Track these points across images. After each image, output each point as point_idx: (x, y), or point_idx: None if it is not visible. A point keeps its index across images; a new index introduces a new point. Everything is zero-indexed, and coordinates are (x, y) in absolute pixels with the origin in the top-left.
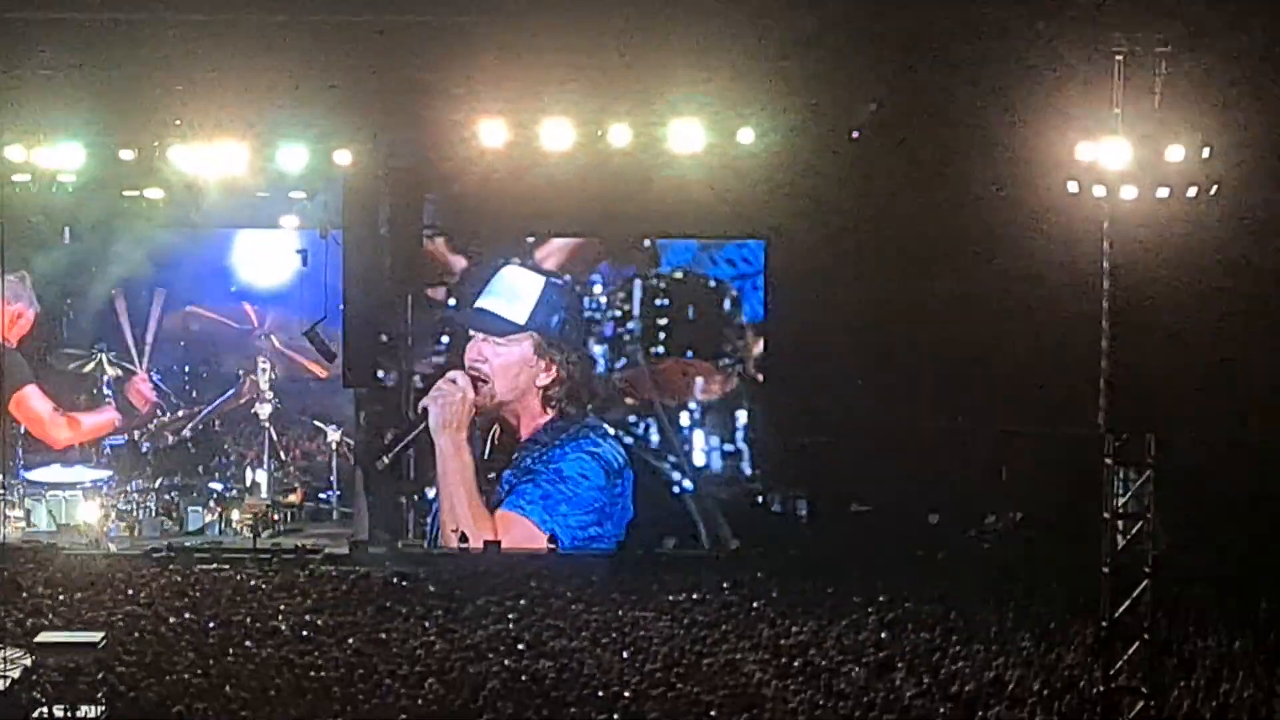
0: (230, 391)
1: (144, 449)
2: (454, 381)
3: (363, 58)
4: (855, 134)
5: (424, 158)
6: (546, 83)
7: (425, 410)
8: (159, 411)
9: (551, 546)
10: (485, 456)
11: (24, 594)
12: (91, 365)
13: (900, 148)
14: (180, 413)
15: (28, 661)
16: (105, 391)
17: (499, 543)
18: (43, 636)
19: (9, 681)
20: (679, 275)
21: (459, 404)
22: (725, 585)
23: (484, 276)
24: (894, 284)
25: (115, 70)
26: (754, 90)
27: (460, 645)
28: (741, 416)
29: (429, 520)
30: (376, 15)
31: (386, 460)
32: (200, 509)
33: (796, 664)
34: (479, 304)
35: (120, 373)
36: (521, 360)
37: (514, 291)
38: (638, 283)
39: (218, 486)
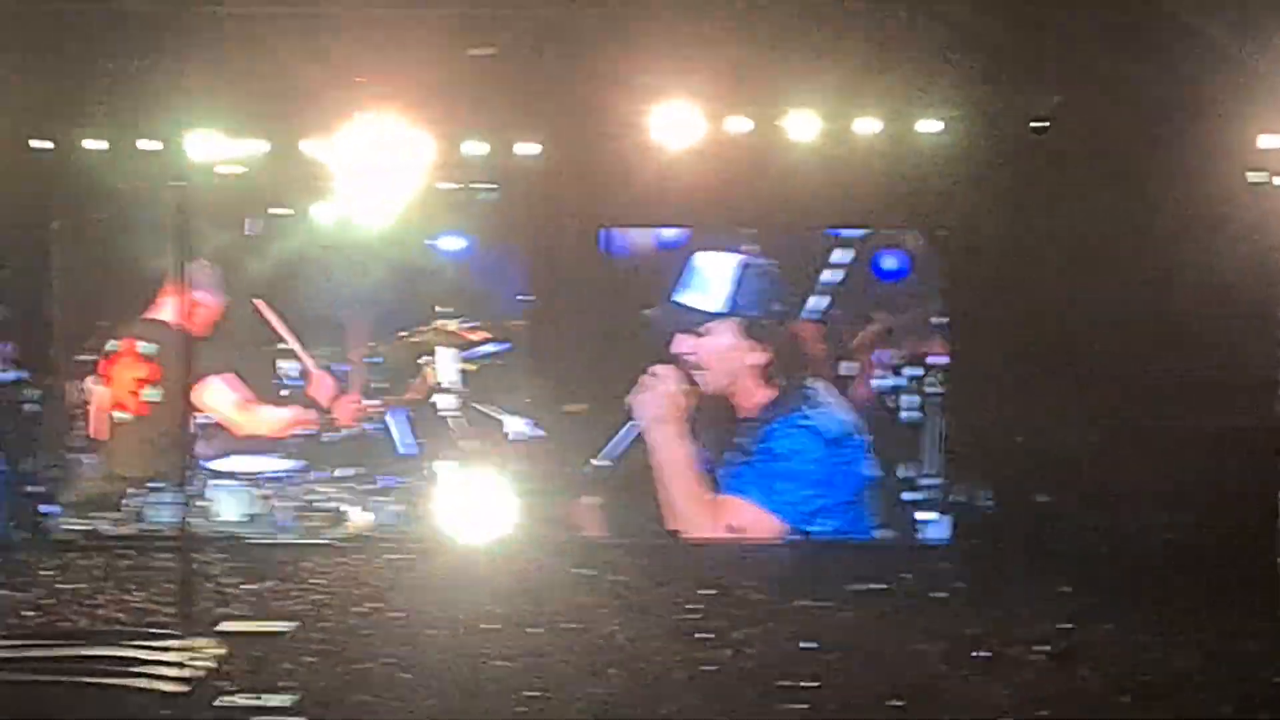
0: (411, 383)
1: (326, 439)
2: (655, 374)
3: (545, 47)
4: (1038, 126)
5: (606, 149)
6: (727, 75)
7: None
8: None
9: (775, 530)
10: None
11: (210, 584)
12: (274, 357)
13: (1084, 140)
14: (363, 404)
15: (215, 651)
16: (287, 384)
17: (677, 532)
18: (229, 626)
19: (198, 671)
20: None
21: (665, 397)
22: (907, 575)
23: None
24: (1074, 276)
25: (295, 62)
26: (935, 81)
27: (642, 635)
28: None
29: None
30: (562, 6)
31: (597, 462)
32: (383, 498)
33: (978, 654)
34: (675, 298)
35: (306, 366)
36: (728, 346)
37: (706, 279)
38: None
39: (400, 477)
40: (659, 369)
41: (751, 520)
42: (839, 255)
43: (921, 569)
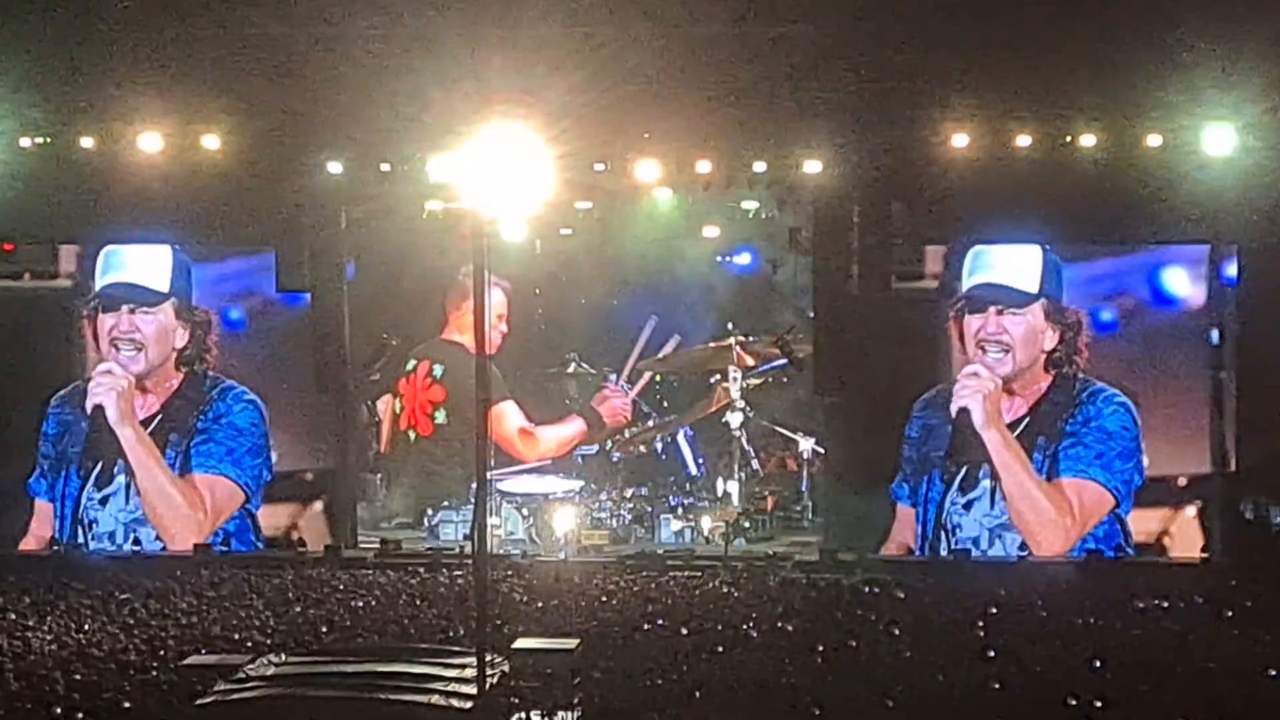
0: (701, 401)
1: (615, 459)
2: (977, 374)
3: (829, 65)
4: None
5: (893, 165)
6: (1013, 89)
7: (963, 410)
8: (630, 422)
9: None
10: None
11: (499, 601)
12: (561, 374)
13: None
14: (651, 423)
15: (505, 667)
16: (574, 398)
17: (967, 550)
18: (519, 643)
19: (489, 685)
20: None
21: (995, 393)
22: (1195, 593)
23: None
24: None
25: (584, 86)
26: (1218, 94)
27: (929, 653)
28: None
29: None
30: (849, 23)
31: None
32: (670, 517)
33: (1270, 674)
34: (982, 280)
35: (590, 380)
36: (1035, 328)
37: (1014, 264)
38: None
39: (688, 497)
40: (976, 368)
41: (1095, 500)
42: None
43: (1209, 586)
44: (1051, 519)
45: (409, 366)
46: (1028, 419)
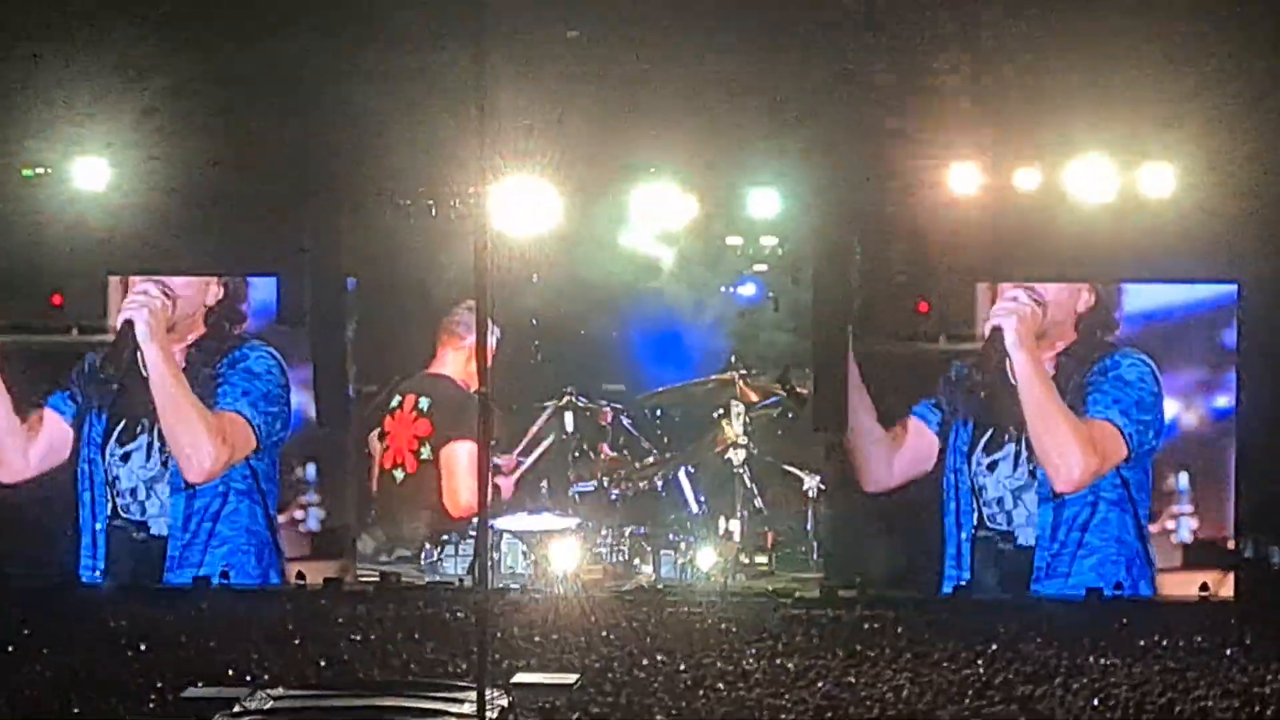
0: (705, 437)
1: (613, 495)
2: (1016, 299)
3: (832, 104)
4: None
5: (894, 203)
6: (1016, 129)
7: (996, 329)
8: (627, 457)
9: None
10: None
11: (498, 635)
12: (558, 407)
13: None
14: (651, 459)
15: (505, 702)
16: (570, 433)
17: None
18: (519, 678)
19: None
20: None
21: (1031, 319)
22: (1195, 631)
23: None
24: None
25: (591, 116)
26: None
27: (930, 690)
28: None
29: None
30: (850, 67)
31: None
32: (671, 553)
33: (1269, 712)
34: None
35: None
36: (1072, 289)
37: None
38: None
39: (688, 535)
40: (1018, 294)
41: (1111, 443)
42: None
43: (1210, 625)
44: (1071, 446)
45: (394, 403)
46: (1050, 369)
